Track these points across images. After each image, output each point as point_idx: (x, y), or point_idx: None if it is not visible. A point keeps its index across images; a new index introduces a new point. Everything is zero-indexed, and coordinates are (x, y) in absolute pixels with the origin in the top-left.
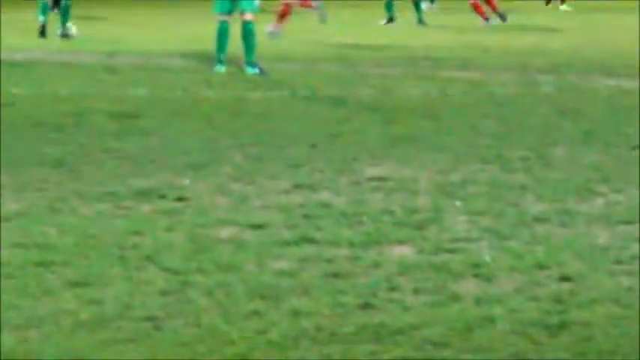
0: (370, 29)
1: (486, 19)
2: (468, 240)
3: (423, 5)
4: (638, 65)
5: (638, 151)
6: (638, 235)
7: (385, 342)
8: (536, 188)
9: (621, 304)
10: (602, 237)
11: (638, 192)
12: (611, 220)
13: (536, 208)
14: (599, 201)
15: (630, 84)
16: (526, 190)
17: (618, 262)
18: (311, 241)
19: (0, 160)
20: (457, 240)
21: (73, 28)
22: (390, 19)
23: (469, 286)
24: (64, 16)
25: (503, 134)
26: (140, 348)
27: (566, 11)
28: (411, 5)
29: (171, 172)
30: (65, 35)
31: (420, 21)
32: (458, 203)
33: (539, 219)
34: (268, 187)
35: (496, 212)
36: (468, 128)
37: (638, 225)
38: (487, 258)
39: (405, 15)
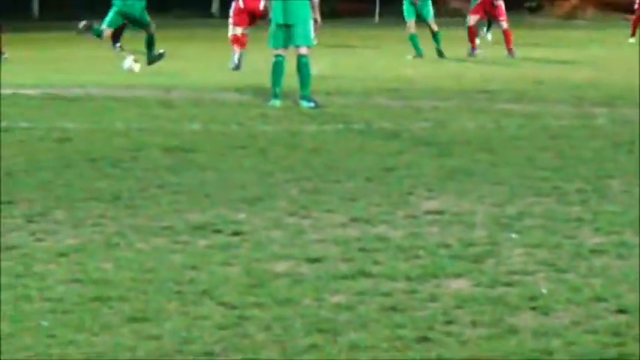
0: (424, 62)
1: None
2: (524, 273)
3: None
4: None
5: None
6: None
7: None
8: (592, 221)
9: None
10: None
11: None
12: None
13: (593, 240)
14: None
15: None
16: (582, 223)
17: None
18: (368, 274)
19: (57, 195)
20: (514, 273)
21: (135, 65)
22: (419, 54)
23: (526, 319)
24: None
25: (558, 167)
26: None
27: (630, 43)
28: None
29: (227, 206)
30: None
31: (440, 53)
32: (514, 236)
33: (596, 251)
34: (324, 220)
35: (552, 245)
36: (524, 161)
37: None
38: (544, 291)
39: (453, 48)
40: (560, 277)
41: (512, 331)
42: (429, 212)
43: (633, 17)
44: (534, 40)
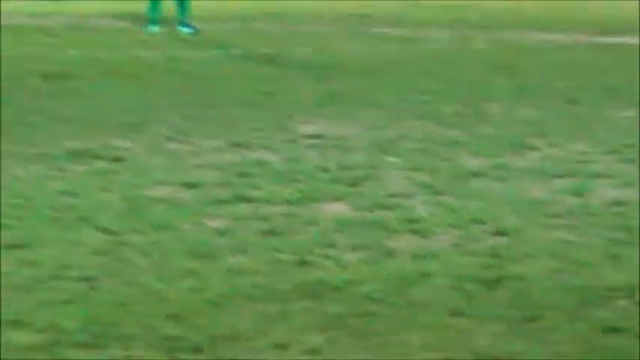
0: None
1: None
2: (403, 196)
3: None
4: (572, 20)
5: (571, 104)
6: (572, 189)
7: (322, 299)
8: (471, 143)
9: (556, 257)
10: (538, 191)
11: (572, 146)
12: (546, 174)
13: (472, 163)
14: (534, 155)
15: (564, 38)
16: (461, 146)
17: (554, 215)
18: (247, 199)
19: None
20: (392, 196)
21: None
22: None
23: (405, 242)
24: None
25: (437, 90)
26: (76, 308)
27: None
28: None
29: (106, 132)
30: None
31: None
32: (393, 159)
33: (475, 174)
34: (203, 146)
35: (431, 168)
36: (402, 84)
37: (572, 179)
38: (423, 214)
39: None
40: (438, 200)
41: (391, 254)
42: (307, 136)
43: None
44: None
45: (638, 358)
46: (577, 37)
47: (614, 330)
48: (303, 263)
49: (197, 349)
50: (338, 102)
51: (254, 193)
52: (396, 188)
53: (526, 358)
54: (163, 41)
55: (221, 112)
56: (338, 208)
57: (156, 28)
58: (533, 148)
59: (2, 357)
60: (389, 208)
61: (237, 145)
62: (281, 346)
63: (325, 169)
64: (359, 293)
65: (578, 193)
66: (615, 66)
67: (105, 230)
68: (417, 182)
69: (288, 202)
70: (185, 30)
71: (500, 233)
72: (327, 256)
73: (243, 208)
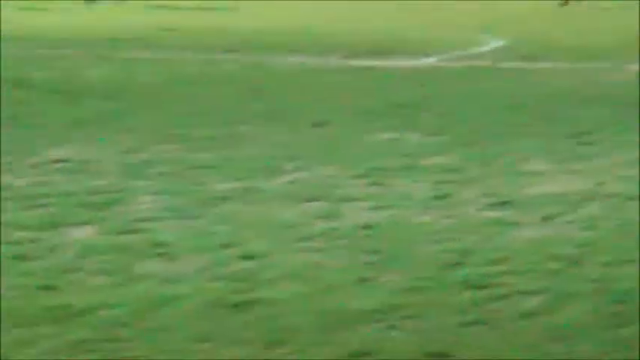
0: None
1: None
2: (152, 220)
3: None
4: (323, 43)
5: (321, 128)
6: (322, 212)
7: (67, 323)
8: (221, 167)
9: (306, 280)
10: (287, 214)
11: (322, 169)
12: (295, 197)
13: (222, 186)
14: (284, 178)
15: (315, 62)
16: (211, 169)
17: (303, 239)
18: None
19: None
20: (141, 220)
21: None
22: None
23: (153, 266)
24: None
25: (188, 114)
26: None
27: None
28: None
29: None
30: None
31: None
32: (142, 183)
33: (225, 197)
34: None
35: (181, 191)
36: (154, 108)
37: (322, 202)
38: (171, 237)
39: None
40: (187, 224)
41: (139, 278)
42: (55, 160)
43: None
44: None
45: None
46: (328, 60)
47: (363, 354)
48: (49, 288)
49: None
50: (87, 126)
51: (1, 218)
52: (144, 212)
53: None
54: None
55: None
56: (85, 233)
57: None
58: (284, 172)
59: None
60: (137, 232)
61: None
62: None
63: (73, 194)
64: (105, 318)
65: (327, 216)
66: (365, 89)
67: None
68: (165, 206)
69: (35, 227)
70: None
71: (249, 257)
72: (73, 281)
73: None
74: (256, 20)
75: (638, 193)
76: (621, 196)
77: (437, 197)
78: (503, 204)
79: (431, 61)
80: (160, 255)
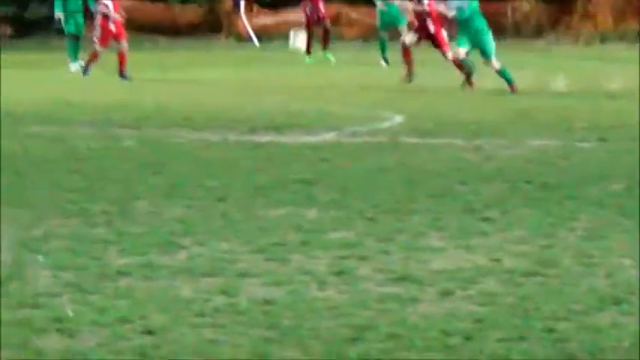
0: None
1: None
2: (50, 294)
3: None
4: (222, 118)
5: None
6: (220, 288)
7: None
8: (117, 242)
9: (203, 356)
10: (186, 289)
11: (220, 244)
12: (194, 272)
13: (118, 261)
14: (183, 254)
15: (213, 137)
16: (108, 244)
17: (201, 314)
18: None
19: None
20: (39, 295)
21: None
22: None
23: (53, 342)
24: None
25: (85, 188)
26: None
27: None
28: None
29: None
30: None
31: None
32: (40, 258)
33: (122, 272)
34: None
35: (78, 266)
36: (50, 183)
37: (220, 277)
38: (69, 312)
39: None
40: (85, 299)
41: (39, 353)
42: None
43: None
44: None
45: None
46: (227, 136)
47: None
48: None
49: None
50: None
51: None
52: (42, 287)
53: None
54: None
55: None
56: None
57: None
58: (181, 247)
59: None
60: (35, 307)
61: None
62: None
63: None
64: None
65: (225, 291)
66: (263, 164)
67: None
68: (64, 281)
69: None
70: None
71: (147, 332)
72: None
73: None
74: (156, 96)
75: (533, 269)
76: (517, 271)
77: (335, 273)
78: (401, 279)
79: (330, 136)
80: (59, 330)
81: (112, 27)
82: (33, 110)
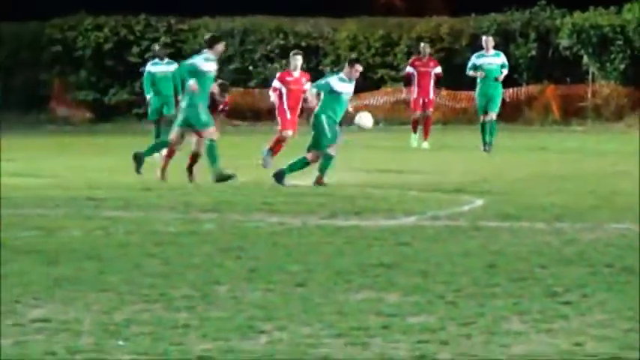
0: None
1: None
2: None
3: None
4: (302, 202)
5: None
6: None
7: None
8: (199, 327)
9: None
10: None
11: (301, 329)
12: (275, 357)
13: (200, 346)
14: (263, 338)
15: (294, 221)
16: (189, 329)
17: None
18: None
19: None
20: None
21: None
22: None
23: None
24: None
25: (165, 273)
26: None
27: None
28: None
29: None
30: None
31: None
32: (122, 343)
33: (204, 357)
34: None
35: (159, 352)
36: (131, 267)
37: None
38: None
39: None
40: None
41: None
42: (35, 320)
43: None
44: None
45: None
46: (307, 220)
47: None
48: None
49: None
50: (66, 286)
51: None
52: None
53: None
54: None
55: None
56: None
57: None
58: (262, 332)
59: None
60: None
61: None
62: None
63: (53, 353)
64: None
65: None
66: (344, 249)
67: None
68: None
69: None
70: None
71: None
72: None
73: None
74: (237, 178)
75: (615, 354)
76: (599, 356)
77: (416, 357)
78: None
79: (411, 220)
80: None
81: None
82: (113, 195)
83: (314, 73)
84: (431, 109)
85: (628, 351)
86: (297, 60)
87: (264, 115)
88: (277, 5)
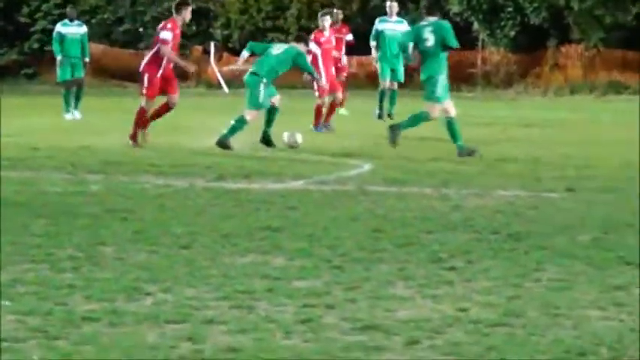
0: None
1: None
2: (15, 340)
3: None
4: (190, 165)
5: (187, 250)
6: (186, 334)
7: None
8: (84, 287)
9: None
10: (151, 336)
11: (185, 291)
12: (159, 319)
13: (84, 307)
14: (148, 300)
15: (179, 182)
16: (74, 290)
17: None
18: None
19: None
20: (4, 340)
21: None
22: None
23: None
24: None
25: (52, 233)
26: None
27: None
28: None
29: None
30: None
31: None
32: (7, 303)
33: (88, 318)
34: None
35: (44, 312)
36: (18, 228)
37: (185, 324)
38: (35, 357)
39: None
40: (51, 344)
41: None
42: None
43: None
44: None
45: None
46: (194, 182)
47: None
48: None
49: None
50: None
51: None
52: (7, 332)
53: None
54: None
55: None
56: None
57: None
58: (147, 294)
59: None
60: (1, 352)
61: None
62: None
63: None
64: None
65: (191, 338)
66: (231, 212)
67: None
68: (29, 326)
69: None
70: None
71: None
72: None
73: None
74: (124, 140)
75: (499, 320)
76: (483, 322)
77: (301, 321)
78: (367, 328)
79: (299, 184)
80: None
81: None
82: (1, 155)
83: (204, 35)
84: (344, 74)
85: (512, 318)
86: (326, 20)
87: None
88: None
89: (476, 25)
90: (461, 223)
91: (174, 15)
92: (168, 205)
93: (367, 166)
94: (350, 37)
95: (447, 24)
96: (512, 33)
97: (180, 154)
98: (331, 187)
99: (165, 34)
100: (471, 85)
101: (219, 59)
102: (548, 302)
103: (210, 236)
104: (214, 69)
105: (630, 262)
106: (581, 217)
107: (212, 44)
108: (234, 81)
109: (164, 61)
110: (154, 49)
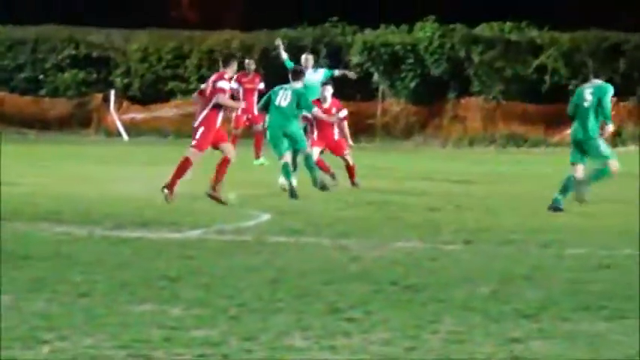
0: None
1: None
2: None
3: None
4: (88, 212)
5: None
6: None
7: None
8: None
9: None
10: None
11: (83, 339)
12: None
13: None
14: (45, 348)
15: (80, 231)
16: None
17: None
18: None
19: None
20: None
21: None
22: None
23: None
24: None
25: None
26: None
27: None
28: None
29: None
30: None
31: None
32: None
33: None
34: None
35: None
36: None
37: None
38: None
39: None
40: None
41: None
42: None
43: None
44: None
45: None
46: (93, 230)
47: None
48: None
49: None
50: None
51: None
52: None
53: None
54: None
55: None
56: None
57: None
58: (44, 342)
59: None
60: None
61: None
62: None
63: None
64: None
65: None
66: (128, 260)
67: None
68: None
69: None
70: None
71: None
72: None
73: None
74: (24, 188)
75: None
76: None
77: None
78: None
79: (196, 233)
80: None
81: None
82: None
83: (104, 83)
84: (259, 125)
85: None
86: (327, 91)
87: (54, 124)
88: (70, 15)
89: (376, 76)
90: (359, 274)
91: (222, 68)
92: (67, 253)
93: (265, 216)
94: (262, 85)
95: (302, 89)
96: (413, 84)
97: (79, 202)
98: (229, 236)
99: (223, 84)
100: (370, 136)
101: (119, 107)
102: (446, 354)
103: (108, 284)
104: (114, 117)
105: (528, 315)
106: (479, 270)
107: (112, 92)
108: (133, 129)
109: (221, 112)
110: (210, 103)
